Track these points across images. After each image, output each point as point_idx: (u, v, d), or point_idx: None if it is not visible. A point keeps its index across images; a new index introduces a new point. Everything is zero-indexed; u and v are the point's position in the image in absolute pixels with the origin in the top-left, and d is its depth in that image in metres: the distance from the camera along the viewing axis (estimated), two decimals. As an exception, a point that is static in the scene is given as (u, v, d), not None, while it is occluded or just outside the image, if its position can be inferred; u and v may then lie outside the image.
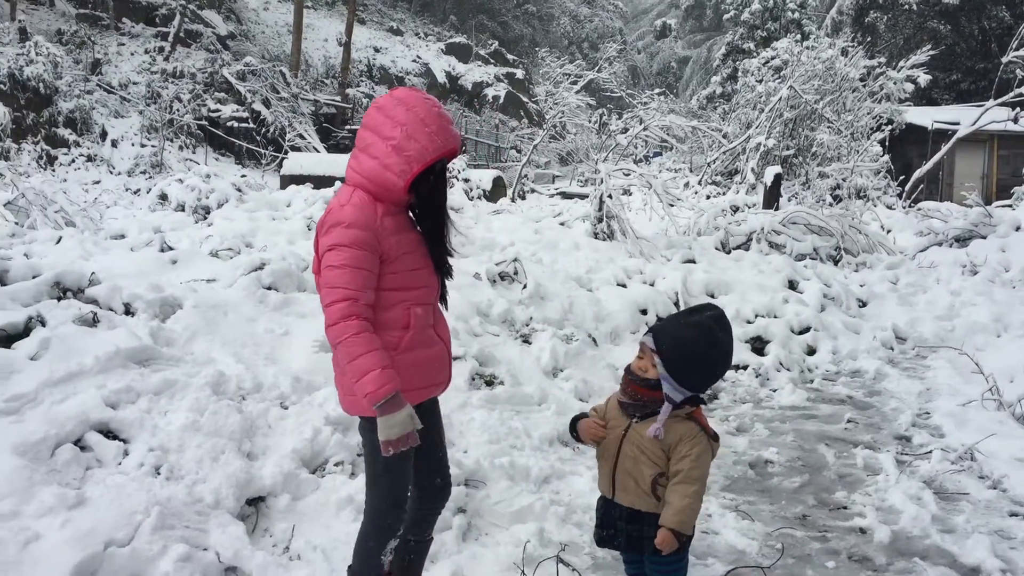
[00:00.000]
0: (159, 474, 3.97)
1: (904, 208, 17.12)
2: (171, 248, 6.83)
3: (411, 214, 3.08)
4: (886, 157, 17.80)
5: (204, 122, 29.42)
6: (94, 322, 4.85)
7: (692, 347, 2.92)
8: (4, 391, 4.05)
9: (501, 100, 47.51)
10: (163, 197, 11.08)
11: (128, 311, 5.28)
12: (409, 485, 3.14)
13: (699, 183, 20.50)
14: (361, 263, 2.84)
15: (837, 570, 4.14)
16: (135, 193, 22.11)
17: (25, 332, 4.63)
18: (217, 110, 30.41)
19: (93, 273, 5.48)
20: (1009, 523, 4.63)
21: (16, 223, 7.87)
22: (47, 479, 3.71)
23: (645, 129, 12.09)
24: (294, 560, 3.88)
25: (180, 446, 4.12)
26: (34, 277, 5.29)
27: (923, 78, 19.84)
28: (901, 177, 18.99)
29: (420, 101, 2.93)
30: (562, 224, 11.89)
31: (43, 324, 4.70)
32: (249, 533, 3.95)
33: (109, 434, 4.10)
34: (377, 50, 45.57)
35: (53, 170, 24.48)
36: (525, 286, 7.34)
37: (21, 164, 23.03)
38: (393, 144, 2.88)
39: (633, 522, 3.03)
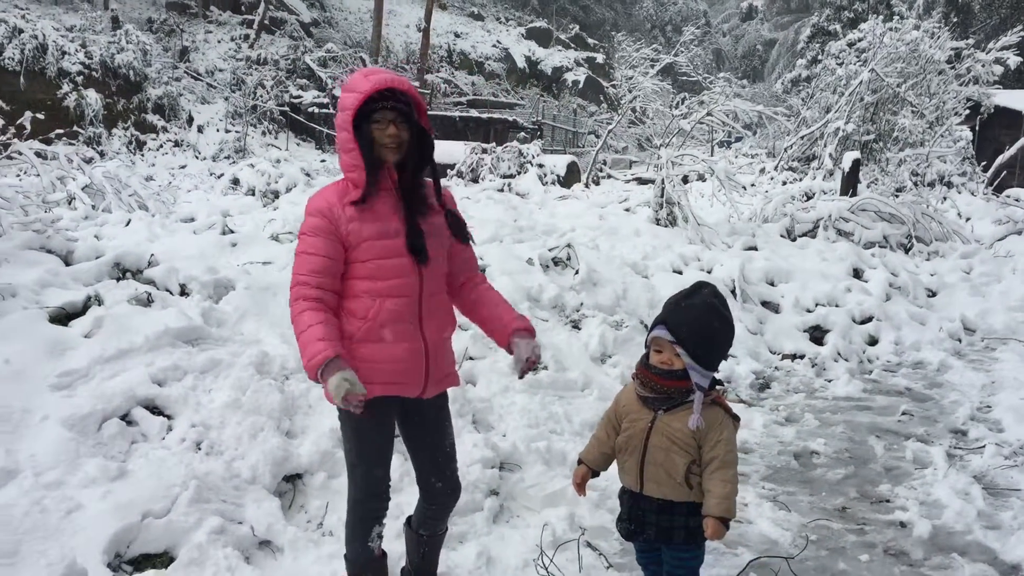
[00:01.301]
0: (199, 449, 4.12)
1: (985, 195, 16.51)
2: (232, 231, 7.04)
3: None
4: (963, 142, 17.12)
5: (286, 108, 30.05)
6: (148, 302, 5.05)
7: (708, 330, 2.93)
8: (58, 367, 4.26)
9: (581, 85, 47.34)
10: (235, 182, 11.40)
11: (184, 292, 5.48)
12: (385, 478, 3.13)
13: (775, 169, 20.10)
14: (315, 249, 2.88)
15: (870, 563, 4.07)
16: (218, 178, 22.82)
17: (83, 311, 4.86)
18: (299, 96, 31.06)
19: (152, 255, 5.70)
20: (1059, 522, 4.47)
21: (92, 206, 8.20)
22: (93, 451, 3.90)
23: (708, 114, 11.91)
24: (326, 536, 4.00)
25: (221, 423, 4.28)
26: (97, 258, 5.54)
27: (1013, 59, 19.03)
28: (983, 163, 18.28)
29: (354, 77, 2.93)
30: (627, 210, 11.84)
31: (100, 303, 4.91)
32: (285, 509, 4.09)
33: (154, 410, 4.28)
34: (458, 35, 45.84)
35: (142, 155, 25.37)
36: (577, 272, 7.34)
37: (112, 149, 23.91)
38: (338, 124, 2.93)
39: (664, 513, 3.02)
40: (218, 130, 28.38)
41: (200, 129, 28.10)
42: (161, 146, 26.58)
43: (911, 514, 4.53)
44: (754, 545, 4.21)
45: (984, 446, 5.43)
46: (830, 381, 7.05)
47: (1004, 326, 8.20)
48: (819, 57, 35.04)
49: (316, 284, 2.87)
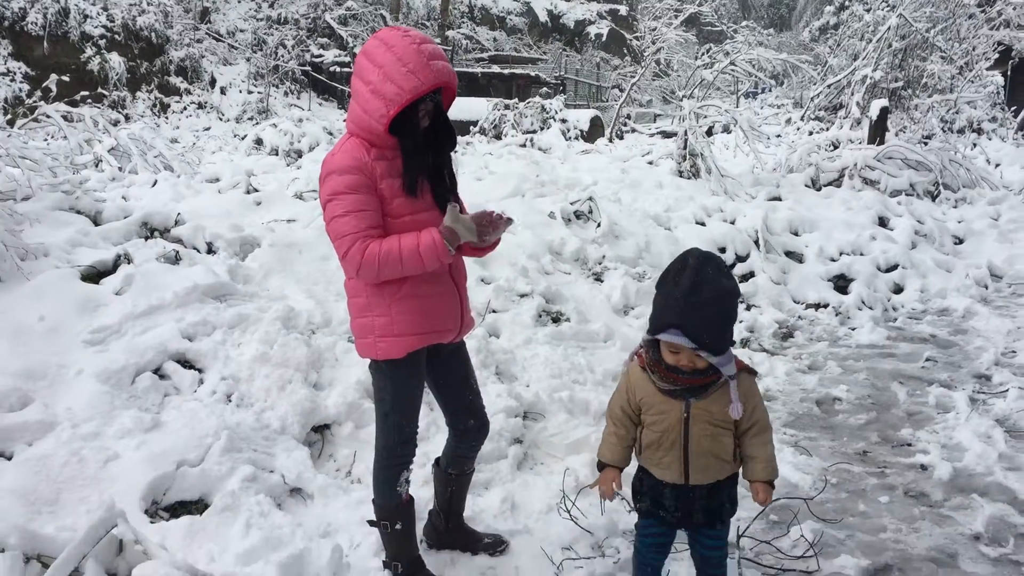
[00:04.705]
0: (230, 401, 4.24)
1: (1016, 141, 16.24)
2: (256, 190, 7.11)
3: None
4: (993, 87, 16.82)
5: (307, 68, 30.02)
6: (176, 260, 5.15)
7: (725, 321, 2.73)
8: (91, 323, 4.38)
9: (604, 38, 46.80)
10: (258, 142, 11.46)
11: (210, 250, 5.57)
12: (415, 425, 3.22)
13: (802, 119, 19.88)
14: (362, 205, 2.86)
15: (890, 504, 4.12)
16: (242, 139, 22.91)
17: (113, 269, 4.97)
18: (320, 55, 31.00)
19: (179, 214, 5.79)
20: (1081, 464, 4.50)
21: (119, 168, 8.30)
22: (127, 404, 4.02)
23: (732, 64, 11.77)
24: (354, 483, 4.10)
25: (250, 376, 4.38)
26: (125, 217, 5.64)
27: (1047, 1, 18.61)
28: (1015, 108, 17.97)
29: (399, 39, 2.83)
30: (649, 163, 11.79)
31: (129, 261, 5.02)
32: (315, 458, 4.20)
33: (186, 364, 4.40)
34: (478, -10, 45.37)
35: (167, 117, 25.51)
36: (599, 224, 7.36)
37: (136, 111, 24.05)
38: (372, 88, 2.84)
39: (712, 496, 2.89)
40: (240, 91, 28.44)
41: (223, 91, 28.18)
42: (185, 108, 26.70)
43: (932, 457, 4.57)
44: (775, 489, 4.25)
45: (1007, 390, 5.44)
46: (854, 329, 7.06)
47: (1032, 272, 8.15)
48: (846, 3, 34.39)
49: (378, 236, 2.88)
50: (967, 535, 3.83)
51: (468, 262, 3.40)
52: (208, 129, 24.78)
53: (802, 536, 3.75)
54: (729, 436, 2.82)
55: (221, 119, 26.63)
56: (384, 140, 2.92)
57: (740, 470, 2.92)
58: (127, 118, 22.62)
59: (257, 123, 24.52)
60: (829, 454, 4.70)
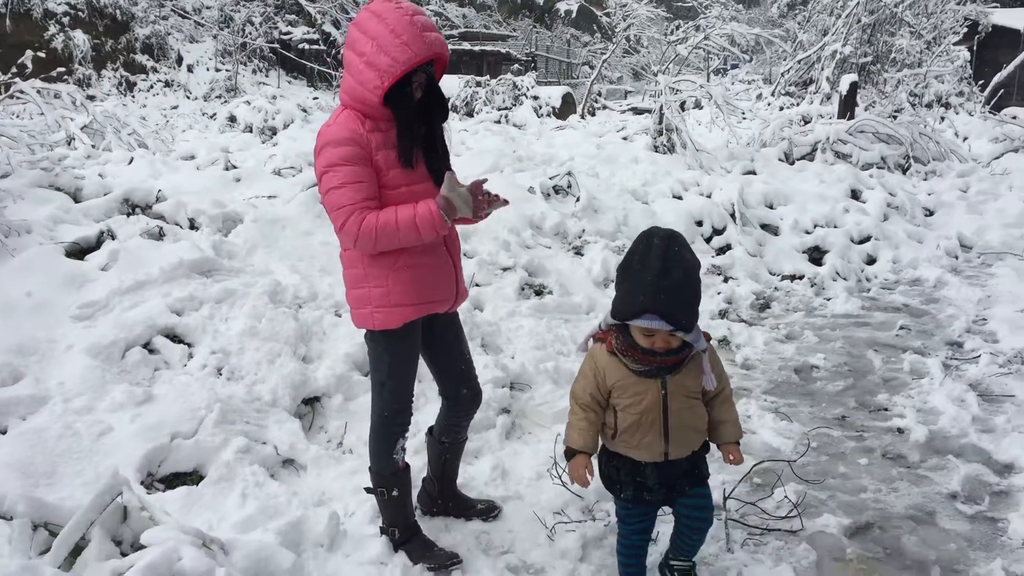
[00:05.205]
0: (220, 375, 4.26)
1: (983, 114, 16.49)
2: (235, 167, 7.09)
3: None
4: (961, 61, 17.04)
5: (276, 45, 29.70)
6: (160, 236, 5.15)
7: (694, 298, 2.69)
8: (78, 299, 4.39)
9: (573, 14, 46.66)
10: (232, 119, 11.38)
11: (193, 226, 5.57)
12: (411, 394, 3.28)
13: (772, 94, 20.01)
14: (358, 177, 2.88)
15: (869, 466, 4.24)
16: (211, 117, 22.65)
17: (97, 245, 4.96)
18: (288, 32, 30.67)
19: (160, 190, 5.77)
20: (1051, 424, 4.64)
21: (92, 145, 8.22)
22: (118, 378, 4.04)
23: (706, 38, 11.84)
24: (346, 454, 4.16)
25: (240, 349, 4.41)
26: (105, 194, 5.62)
27: (1012, -24, 18.82)
28: (982, 82, 18.22)
29: (392, 11, 2.85)
30: (624, 139, 11.85)
31: (113, 238, 5.01)
32: (305, 430, 4.24)
33: (175, 338, 4.42)
34: (446, -34, 45.01)
35: (133, 96, 25.16)
36: (578, 199, 7.42)
37: (102, 90, 23.71)
38: (366, 60, 2.85)
39: (693, 464, 2.92)
40: (208, 69, 28.09)
41: (190, 68, 27.83)
42: (151, 87, 26.34)
43: (908, 420, 4.70)
44: (757, 453, 4.37)
45: (979, 356, 5.59)
46: (829, 300, 7.19)
47: (1000, 242, 8.32)
48: (815, -21, 34.52)
49: (374, 207, 2.91)
50: (944, 494, 3.96)
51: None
52: (176, 107, 24.47)
53: (786, 497, 3.85)
54: (701, 406, 2.87)
55: (189, 97, 26.31)
56: (378, 111, 2.94)
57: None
58: (91, 98, 22.28)
59: (226, 101, 24.26)
60: (809, 419, 4.82)
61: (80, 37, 24.20)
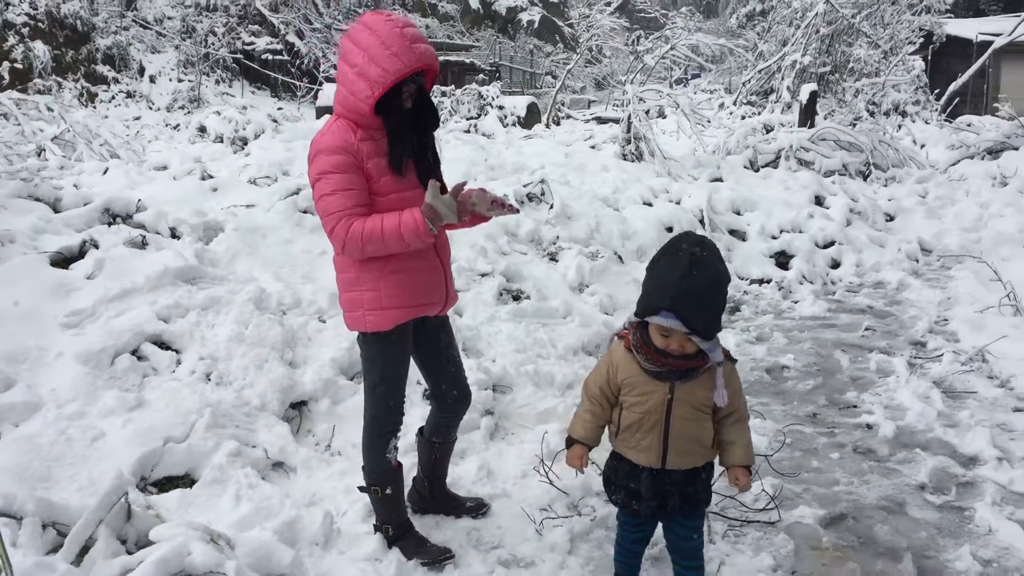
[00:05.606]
0: (209, 380, 4.33)
1: (939, 122, 16.93)
2: (211, 176, 7.13)
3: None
4: (917, 71, 17.49)
5: (239, 55, 29.58)
6: (143, 244, 5.19)
7: (718, 306, 2.70)
8: (65, 307, 4.42)
9: (536, 25, 46.93)
10: (202, 130, 11.39)
11: (174, 235, 5.61)
12: (403, 395, 3.38)
13: (734, 103, 20.35)
14: (350, 184, 2.98)
15: (841, 460, 4.41)
16: (175, 128, 22.48)
17: (80, 254, 5.00)
18: (251, 43, 30.53)
19: (140, 200, 5.81)
20: (1012, 417, 4.85)
21: (64, 156, 8.21)
22: (108, 384, 4.08)
23: (672, 49, 12.07)
24: (335, 456, 4.24)
25: (227, 355, 4.47)
26: (85, 204, 5.65)
27: (964, -12, 19.34)
28: (937, 91, 18.69)
29: (382, 23, 2.95)
30: (592, 147, 12.02)
31: (96, 247, 5.05)
32: (294, 433, 4.31)
33: (162, 345, 4.47)
34: (409, -23, 45.05)
35: (94, 107, 24.91)
36: (552, 206, 7.55)
37: (63, 101, 23.45)
38: (357, 71, 2.95)
39: (689, 482, 2.89)
40: (171, 80, 27.88)
41: (152, 79, 27.59)
42: (113, 97, 26.09)
43: (876, 417, 4.88)
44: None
45: (942, 354, 5.81)
46: (796, 302, 7.39)
47: (958, 246, 8.58)
48: (774, -10, 35.10)
49: (363, 214, 3.00)
50: (913, 485, 4.13)
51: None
52: (138, 118, 24.23)
53: (763, 490, 4.00)
54: (709, 421, 2.83)
55: (151, 108, 26.08)
56: (370, 121, 3.04)
57: (716, 459, 2.93)
58: (50, 109, 22.04)
59: (189, 112, 24.13)
60: (782, 417, 4.98)
61: (40, 48, 23.94)
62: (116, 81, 26.60)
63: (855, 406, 5.13)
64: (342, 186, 2.99)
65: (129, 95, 26.51)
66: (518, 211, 3.26)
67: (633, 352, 2.80)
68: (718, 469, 2.97)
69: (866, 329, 6.60)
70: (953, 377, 5.47)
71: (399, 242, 2.99)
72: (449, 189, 3.06)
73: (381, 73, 2.92)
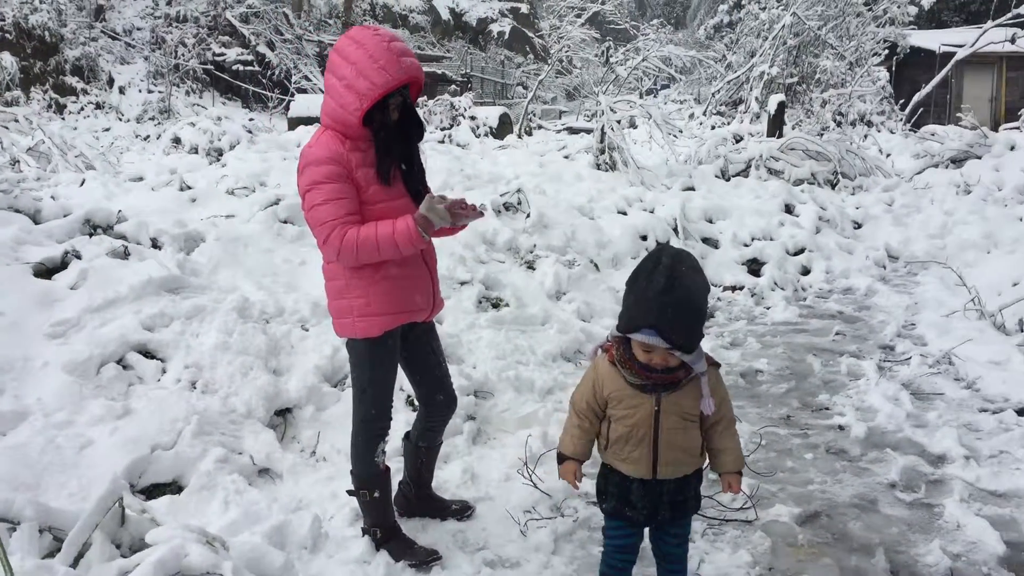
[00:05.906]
0: (195, 388, 4.37)
1: (904, 132, 17.27)
2: (190, 187, 7.17)
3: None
4: (882, 81, 17.85)
5: (210, 66, 29.47)
6: (126, 255, 5.22)
7: (698, 319, 2.69)
8: (50, 317, 4.45)
9: (507, 36, 47.17)
10: (176, 140, 11.39)
11: (155, 245, 5.65)
12: (391, 399, 3.45)
13: (704, 114, 20.62)
14: (341, 194, 3.07)
15: (815, 460, 4.53)
16: (145, 139, 22.36)
17: (63, 265, 5.02)
18: (222, 54, 30.43)
19: (120, 211, 5.84)
20: (978, 418, 5.01)
21: (39, 168, 8.20)
22: (95, 393, 4.12)
23: (644, 60, 12.25)
24: (320, 462, 4.30)
25: (212, 363, 4.52)
26: (65, 216, 5.67)
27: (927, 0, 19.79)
28: (902, 101, 19.06)
29: (370, 38, 3.04)
30: (566, 157, 12.16)
31: (79, 258, 5.08)
32: (279, 440, 4.37)
33: (148, 354, 4.51)
34: (380, -12, 45.10)
35: (63, 118, 24.71)
36: (528, 215, 7.66)
37: (32, 113, 23.25)
38: (346, 83, 3.03)
39: (678, 491, 2.88)
40: (140, 91, 27.74)
41: (121, 90, 27.43)
42: (82, 109, 25.91)
43: (848, 418, 5.01)
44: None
45: (910, 358, 5.97)
46: (768, 308, 7.55)
47: (924, 252, 8.79)
48: (741, 2, 35.59)
49: (355, 222, 3.08)
50: (884, 484, 4.26)
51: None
52: (108, 129, 24.10)
53: (740, 490, 4.10)
54: (697, 430, 2.82)
55: (121, 119, 25.92)
56: (358, 132, 3.13)
57: (705, 465, 2.94)
58: (29, 120, 21.86)
59: (159, 123, 24.01)
60: (757, 419, 5.10)
61: (8, 59, 23.74)
62: (85, 92, 26.44)
63: (827, 408, 5.26)
64: (333, 196, 3.07)
65: (98, 106, 26.35)
66: (483, 214, 3.33)
67: (617, 366, 2.80)
68: (708, 475, 3.04)
69: (836, 334, 6.75)
70: (921, 379, 5.62)
71: (393, 248, 3.08)
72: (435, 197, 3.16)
73: (369, 86, 3.01)
